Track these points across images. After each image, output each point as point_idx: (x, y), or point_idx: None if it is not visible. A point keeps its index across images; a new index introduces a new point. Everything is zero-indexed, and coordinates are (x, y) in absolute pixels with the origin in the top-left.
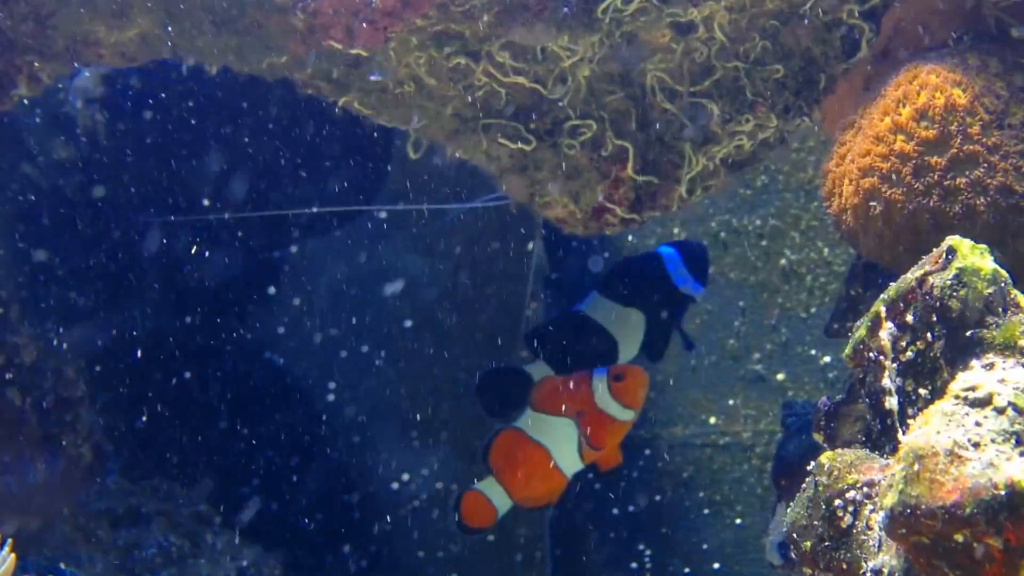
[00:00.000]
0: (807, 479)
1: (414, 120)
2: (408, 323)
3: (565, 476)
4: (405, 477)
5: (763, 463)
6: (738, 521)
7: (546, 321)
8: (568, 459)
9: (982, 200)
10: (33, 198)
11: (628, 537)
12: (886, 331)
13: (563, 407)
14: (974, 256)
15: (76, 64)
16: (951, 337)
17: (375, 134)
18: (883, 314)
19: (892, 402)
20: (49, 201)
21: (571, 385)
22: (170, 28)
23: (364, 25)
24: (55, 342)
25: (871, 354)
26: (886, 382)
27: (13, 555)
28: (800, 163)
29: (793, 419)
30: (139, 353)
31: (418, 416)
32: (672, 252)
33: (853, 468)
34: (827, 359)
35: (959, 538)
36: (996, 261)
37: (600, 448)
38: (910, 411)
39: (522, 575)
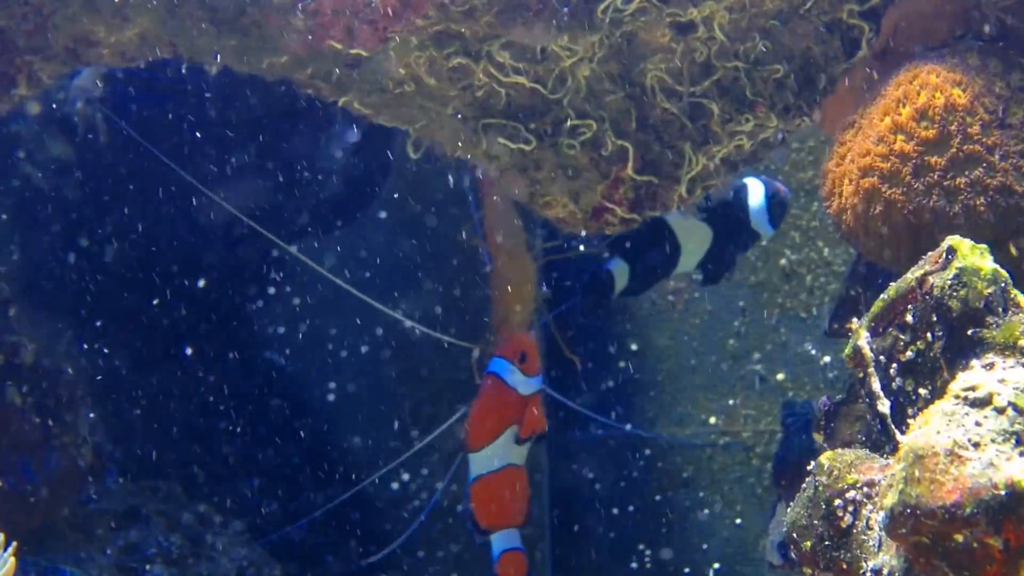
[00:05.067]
0: (807, 479)
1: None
2: (408, 322)
3: (524, 468)
4: (405, 477)
5: (763, 463)
6: (738, 521)
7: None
8: (522, 455)
9: (982, 200)
10: (33, 198)
11: (628, 537)
12: (863, 340)
13: (502, 425)
14: (974, 256)
15: (76, 64)
16: (951, 337)
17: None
18: (858, 325)
19: (883, 406)
20: (48, 200)
21: (494, 400)
22: (170, 28)
23: (364, 25)
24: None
25: (863, 362)
26: (875, 386)
27: (13, 559)
28: (800, 163)
29: (793, 419)
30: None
31: (416, 414)
32: (758, 186)
33: (853, 468)
34: (827, 359)
35: (959, 538)
36: (996, 261)
37: (541, 428)
38: (910, 411)
39: None
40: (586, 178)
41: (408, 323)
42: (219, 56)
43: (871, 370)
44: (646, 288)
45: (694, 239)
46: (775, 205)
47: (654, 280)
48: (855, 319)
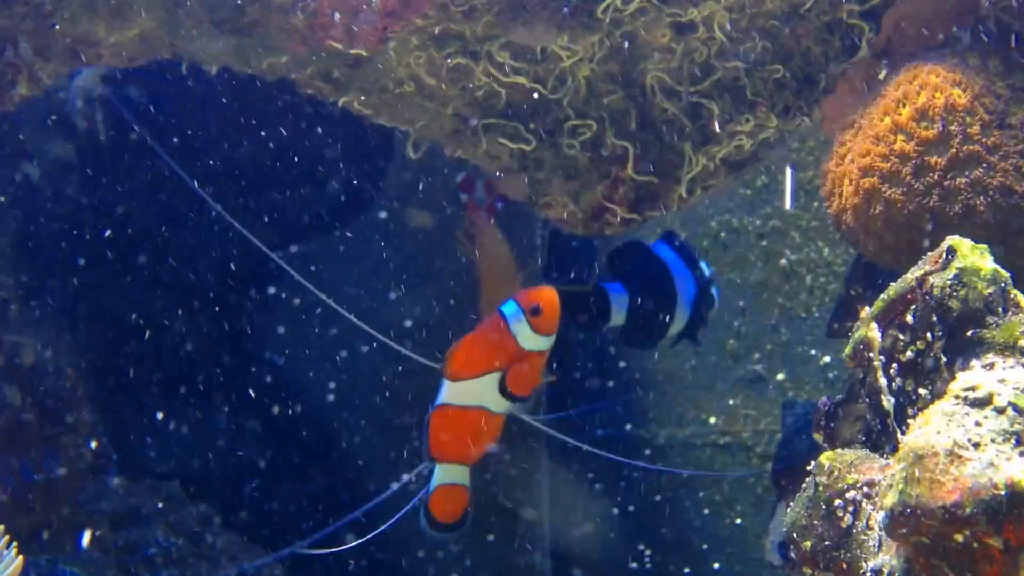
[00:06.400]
0: (807, 479)
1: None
2: (408, 323)
3: (503, 415)
4: (405, 476)
5: (763, 463)
6: (738, 521)
7: (627, 246)
8: (504, 404)
9: (982, 200)
10: (32, 198)
11: (628, 537)
12: (874, 332)
13: (488, 365)
14: (974, 256)
15: (76, 64)
16: (951, 337)
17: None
18: (868, 316)
19: (888, 401)
20: (48, 200)
21: (487, 339)
22: (170, 28)
23: (364, 25)
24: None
25: (870, 354)
26: (882, 381)
27: (21, 556)
28: (800, 163)
29: (793, 419)
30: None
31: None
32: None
33: (853, 468)
34: (827, 359)
35: (959, 538)
36: (996, 261)
37: (533, 388)
38: (910, 411)
39: (522, 575)
40: (586, 178)
41: (383, 339)
42: (219, 56)
43: (876, 363)
44: (639, 342)
45: (685, 295)
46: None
47: (653, 335)
48: (866, 309)
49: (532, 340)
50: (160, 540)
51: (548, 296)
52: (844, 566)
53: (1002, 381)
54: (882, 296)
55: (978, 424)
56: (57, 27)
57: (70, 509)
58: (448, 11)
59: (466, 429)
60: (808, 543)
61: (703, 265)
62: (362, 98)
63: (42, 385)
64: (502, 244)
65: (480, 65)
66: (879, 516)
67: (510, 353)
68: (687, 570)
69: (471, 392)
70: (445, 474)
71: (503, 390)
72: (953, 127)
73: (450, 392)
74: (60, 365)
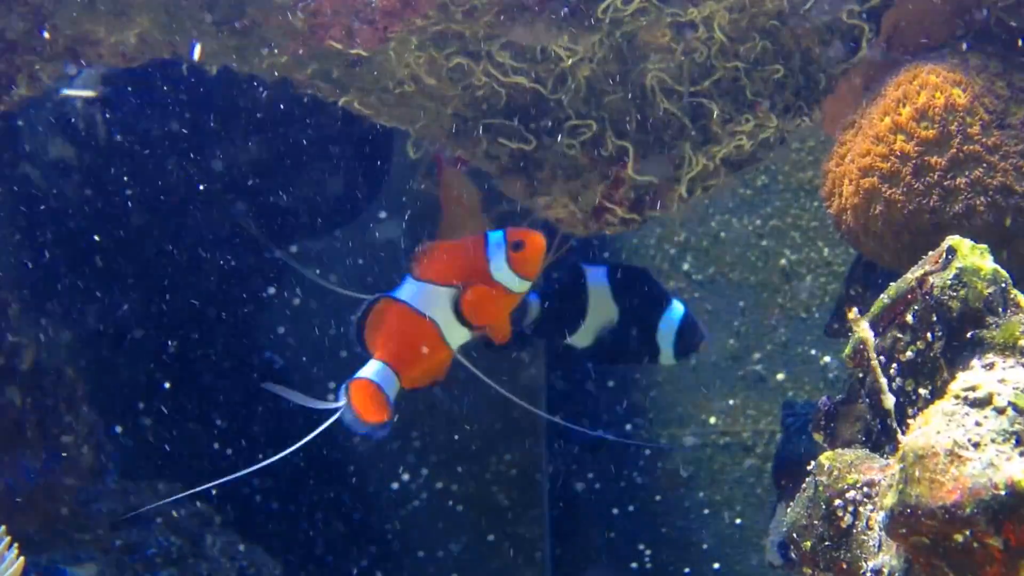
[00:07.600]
0: (807, 479)
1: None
2: None
3: (451, 349)
4: (405, 477)
5: (763, 463)
6: (738, 521)
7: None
8: (456, 333)
9: (982, 200)
10: (32, 198)
11: (628, 537)
12: (865, 330)
13: (453, 276)
14: (974, 256)
15: (76, 64)
16: (951, 337)
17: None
18: (862, 320)
19: (888, 400)
20: (48, 201)
21: (463, 251)
22: (170, 28)
23: (364, 25)
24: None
25: (869, 355)
26: (882, 381)
27: (22, 558)
28: (800, 163)
29: (793, 419)
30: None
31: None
32: (679, 309)
33: (853, 468)
34: (827, 359)
35: (959, 538)
36: (996, 261)
37: (480, 325)
38: (910, 411)
39: (522, 575)
40: (586, 178)
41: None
42: (219, 56)
43: (875, 363)
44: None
45: (600, 311)
46: (686, 333)
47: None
48: (855, 309)
49: (505, 274)
50: (160, 540)
51: (535, 239)
52: (844, 566)
53: (1002, 381)
54: (882, 296)
55: (978, 424)
56: (57, 27)
57: (70, 509)
58: (448, 11)
59: (408, 333)
60: (808, 543)
61: (677, 304)
62: (362, 98)
63: (42, 385)
64: (467, 185)
65: (480, 65)
66: (879, 516)
67: (477, 275)
68: (687, 570)
69: (427, 298)
70: (374, 372)
71: (456, 310)
72: (953, 127)
73: (409, 289)
74: (60, 365)
